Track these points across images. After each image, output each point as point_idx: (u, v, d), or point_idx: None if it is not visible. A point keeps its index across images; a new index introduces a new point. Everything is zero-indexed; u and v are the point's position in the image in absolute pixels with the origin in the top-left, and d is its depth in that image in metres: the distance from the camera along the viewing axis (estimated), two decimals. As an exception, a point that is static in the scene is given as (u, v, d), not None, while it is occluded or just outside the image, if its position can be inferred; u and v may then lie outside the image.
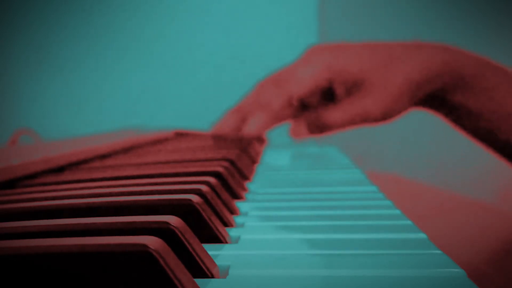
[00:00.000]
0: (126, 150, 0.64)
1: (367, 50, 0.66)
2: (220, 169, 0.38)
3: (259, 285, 0.20)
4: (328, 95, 0.67)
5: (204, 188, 0.30)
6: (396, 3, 1.39)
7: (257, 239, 0.26)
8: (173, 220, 0.22)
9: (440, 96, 0.66)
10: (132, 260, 0.18)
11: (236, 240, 0.27)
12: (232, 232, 0.28)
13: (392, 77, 0.64)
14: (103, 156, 0.56)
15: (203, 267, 0.21)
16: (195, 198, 0.27)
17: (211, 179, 0.34)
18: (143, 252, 0.18)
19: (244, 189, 0.41)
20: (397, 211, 0.32)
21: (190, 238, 0.22)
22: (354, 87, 0.65)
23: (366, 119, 0.65)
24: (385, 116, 0.65)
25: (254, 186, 0.43)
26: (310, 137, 0.68)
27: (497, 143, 0.68)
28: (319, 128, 0.66)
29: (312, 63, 0.67)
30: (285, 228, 0.29)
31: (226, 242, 0.26)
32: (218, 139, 0.68)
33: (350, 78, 0.65)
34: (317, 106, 0.67)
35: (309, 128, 0.67)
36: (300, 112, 0.68)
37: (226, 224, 0.29)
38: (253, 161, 0.59)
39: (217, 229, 0.26)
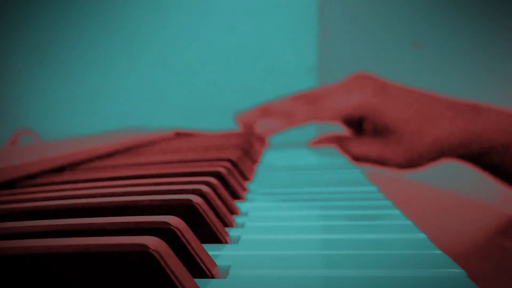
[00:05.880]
0: (126, 150, 0.64)
1: (409, 98, 0.66)
2: (220, 169, 0.38)
3: (259, 285, 0.20)
4: (356, 125, 0.68)
5: (204, 188, 0.30)
6: (397, 3, 1.39)
7: (257, 239, 0.26)
8: (173, 220, 0.22)
9: (474, 155, 0.67)
10: (132, 260, 0.18)
11: (236, 240, 0.27)
12: (232, 232, 0.28)
13: (423, 136, 0.65)
14: (103, 156, 0.56)
15: (203, 267, 0.21)
16: (195, 198, 0.27)
17: (212, 179, 0.33)
18: (143, 252, 0.18)
19: (244, 189, 0.41)
20: (397, 211, 0.32)
21: (190, 238, 0.22)
22: (383, 130, 0.66)
23: (384, 163, 0.66)
24: (407, 165, 0.66)
25: (255, 186, 0.43)
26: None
27: None
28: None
29: (350, 94, 0.67)
30: (285, 228, 0.29)
31: (227, 242, 0.26)
32: (228, 134, 0.70)
33: (382, 121, 0.66)
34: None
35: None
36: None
37: (226, 224, 0.29)
38: (254, 161, 0.59)
39: (217, 229, 0.26)
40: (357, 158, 0.68)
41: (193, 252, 0.21)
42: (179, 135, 0.90)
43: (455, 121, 0.65)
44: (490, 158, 0.66)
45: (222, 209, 0.30)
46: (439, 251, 0.23)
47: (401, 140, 0.66)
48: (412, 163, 0.67)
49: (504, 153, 0.65)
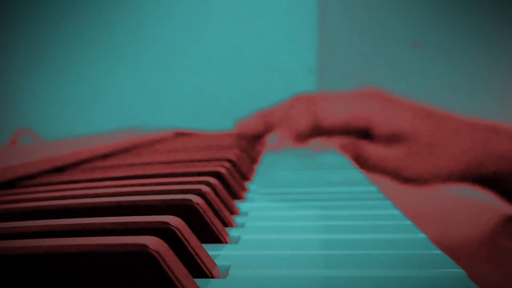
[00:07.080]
0: (126, 150, 0.64)
1: (419, 112, 0.64)
2: (220, 169, 0.38)
3: (259, 285, 0.20)
4: (362, 134, 0.65)
5: (204, 188, 0.30)
6: (397, 3, 1.39)
7: (257, 239, 0.26)
8: (173, 220, 0.22)
9: (490, 179, 0.65)
10: (132, 260, 0.18)
11: (236, 240, 0.27)
12: (232, 232, 0.28)
13: (438, 151, 0.63)
14: (103, 156, 0.56)
15: (203, 267, 0.21)
16: (195, 198, 0.27)
17: (212, 179, 0.33)
18: (143, 252, 0.18)
19: (244, 189, 0.41)
20: (397, 211, 0.32)
21: (190, 238, 0.22)
22: (394, 139, 0.64)
23: (396, 173, 0.64)
24: (419, 179, 0.64)
25: (254, 186, 0.43)
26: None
27: None
28: (357, 157, 0.65)
29: (356, 103, 0.65)
30: (285, 228, 0.29)
31: (226, 242, 0.26)
32: (239, 136, 0.69)
33: (390, 130, 0.63)
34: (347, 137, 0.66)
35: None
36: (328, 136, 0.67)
37: (226, 224, 0.29)
38: (253, 161, 0.59)
39: (217, 229, 0.26)
40: (372, 166, 0.65)
41: (193, 252, 0.21)
42: (178, 135, 0.90)
43: (472, 139, 0.63)
44: (508, 183, 0.64)
45: (222, 209, 0.30)
46: (439, 251, 0.23)
47: (415, 151, 0.63)
48: (424, 177, 0.65)
49: None
